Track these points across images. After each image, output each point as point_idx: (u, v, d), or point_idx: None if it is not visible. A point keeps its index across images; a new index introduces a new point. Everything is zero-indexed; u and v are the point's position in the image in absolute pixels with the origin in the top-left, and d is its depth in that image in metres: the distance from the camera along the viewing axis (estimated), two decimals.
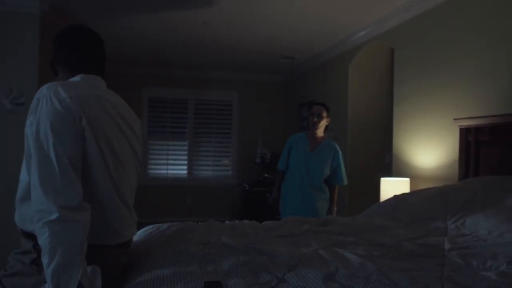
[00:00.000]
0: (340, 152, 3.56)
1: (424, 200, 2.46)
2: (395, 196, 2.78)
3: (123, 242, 1.50)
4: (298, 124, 6.78)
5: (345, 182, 3.59)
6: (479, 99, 2.98)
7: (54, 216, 1.20)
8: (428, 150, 3.57)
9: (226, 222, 2.31)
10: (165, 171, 7.35)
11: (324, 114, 3.44)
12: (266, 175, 6.75)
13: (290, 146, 3.58)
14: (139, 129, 1.67)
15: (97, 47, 1.64)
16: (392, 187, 3.48)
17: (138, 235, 2.17)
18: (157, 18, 4.45)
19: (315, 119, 3.41)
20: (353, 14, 4.20)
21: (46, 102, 1.32)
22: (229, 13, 4.24)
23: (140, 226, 1.87)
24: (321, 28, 4.72)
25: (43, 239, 1.20)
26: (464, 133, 3.00)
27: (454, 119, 3.13)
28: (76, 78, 1.52)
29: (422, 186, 3.47)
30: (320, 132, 3.49)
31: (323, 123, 3.46)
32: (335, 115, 5.45)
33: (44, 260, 1.19)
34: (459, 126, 3.07)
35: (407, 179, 3.55)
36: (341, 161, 3.56)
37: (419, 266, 1.48)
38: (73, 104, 1.34)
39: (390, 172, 4.31)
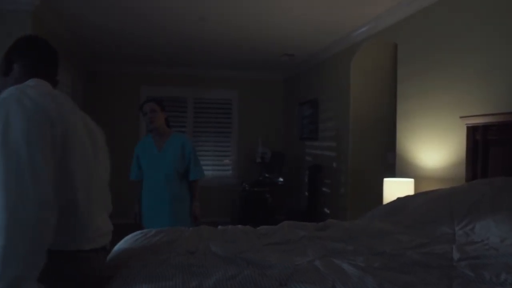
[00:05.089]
0: (189, 142, 3.29)
1: (428, 203, 2.31)
2: (399, 199, 2.63)
3: (97, 247, 1.44)
4: (299, 123, 6.63)
5: (202, 174, 3.31)
6: (487, 95, 2.83)
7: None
8: (433, 150, 3.41)
9: (219, 227, 2.17)
10: None
11: (157, 108, 3.17)
12: (266, 175, 6.61)
13: (137, 154, 3.33)
14: (100, 135, 1.60)
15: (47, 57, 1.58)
16: (395, 188, 3.34)
17: (124, 242, 2.04)
18: (152, 14, 4.31)
19: (149, 116, 3.15)
20: (354, 10, 4.05)
21: (17, 103, 1.23)
22: (226, 7, 4.10)
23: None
24: (322, 24, 4.57)
25: None
26: (472, 131, 2.84)
27: (461, 117, 2.98)
28: (31, 82, 1.43)
29: (427, 187, 3.32)
30: (161, 127, 3.22)
31: (160, 117, 3.18)
32: (336, 113, 5.31)
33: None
34: (466, 124, 2.91)
35: (411, 180, 3.40)
36: (192, 151, 3.27)
37: (424, 280, 1.33)
38: (48, 106, 1.28)
39: (393, 172, 4.17)
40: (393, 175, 4.05)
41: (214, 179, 7.29)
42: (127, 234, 2.12)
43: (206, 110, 7.43)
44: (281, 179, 6.41)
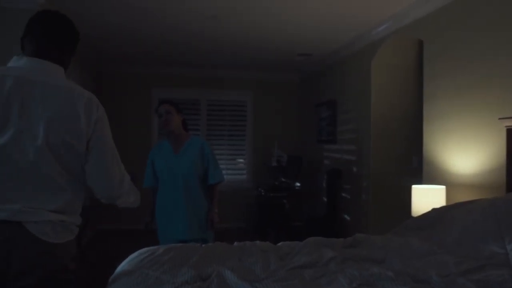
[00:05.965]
0: (208, 146, 3.13)
1: (470, 216, 2.04)
2: (434, 210, 2.36)
3: None
4: (316, 125, 6.38)
5: (222, 177, 3.13)
6: None
7: None
8: (467, 154, 3.13)
9: (235, 243, 1.94)
10: None
11: (172, 110, 3.01)
12: (283, 180, 6.37)
13: (152, 161, 3.14)
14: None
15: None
16: (425, 196, 3.06)
17: (128, 261, 1.83)
18: (162, 12, 4.11)
19: (164, 118, 2.99)
20: (376, 4, 3.79)
21: None
22: (238, 4, 3.87)
23: None
24: (341, 21, 4.31)
25: None
26: None
27: (500, 119, 2.70)
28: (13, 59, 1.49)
29: (461, 195, 3.04)
30: (177, 129, 3.05)
31: (175, 119, 3.02)
32: (356, 115, 5.05)
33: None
34: (506, 126, 2.63)
35: (443, 187, 3.12)
36: (211, 153, 3.12)
37: None
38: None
39: (418, 177, 3.90)
40: (419, 181, 3.78)
41: (228, 183, 7.05)
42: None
43: (220, 112, 7.22)
44: (298, 184, 6.15)
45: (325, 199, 5.59)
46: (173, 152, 3.06)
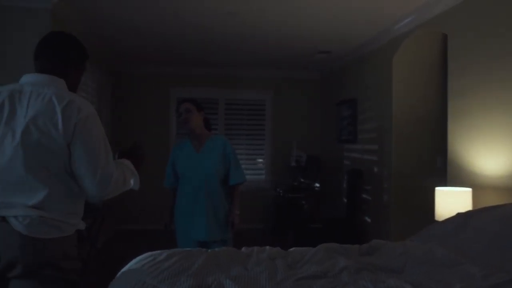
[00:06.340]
0: (230, 145, 3.06)
1: (500, 222, 1.88)
2: (459, 215, 2.20)
3: None
4: (336, 124, 6.21)
5: (244, 178, 3.07)
6: None
7: None
8: (494, 154, 2.93)
9: (243, 249, 1.83)
10: None
11: (193, 108, 2.95)
12: (302, 180, 6.23)
13: (173, 160, 3.07)
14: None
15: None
16: (449, 199, 2.88)
17: (128, 266, 1.74)
18: (179, 10, 4.04)
19: (184, 116, 2.93)
20: None
21: None
22: (257, 1, 3.76)
23: None
24: (361, 16, 4.15)
25: None
26: None
27: None
28: None
29: (489, 199, 2.85)
30: (198, 128, 2.98)
31: (195, 117, 2.95)
32: (377, 113, 4.87)
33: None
34: None
35: (469, 190, 2.93)
36: (233, 153, 3.05)
37: None
38: None
39: (442, 178, 3.70)
40: (443, 182, 3.59)
41: (247, 183, 6.89)
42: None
43: (238, 112, 7.13)
44: (317, 185, 6.00)
45: (345, 200, 5.43)
46: (195, 151, 3.00)
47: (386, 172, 4.58)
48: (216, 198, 2.96)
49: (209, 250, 1.84)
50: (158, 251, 1.83)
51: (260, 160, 7.22)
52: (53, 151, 1.49)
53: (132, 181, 1.72)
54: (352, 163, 5.62)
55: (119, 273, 1.67)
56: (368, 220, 5.01)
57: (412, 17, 3.99)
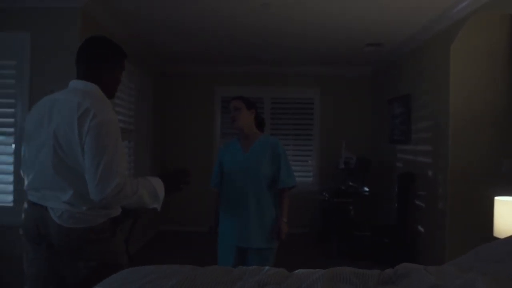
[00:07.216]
0: (281, 146, 2.83)
1: None
2: None
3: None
4: (388, 123, 5.69)
5: (294, 181, 2.80)
6: None
7: None
8: None
9: (234, 270, 1.53)
10: None
11: (242, 105, 2.78)
12: (350, 183, 5.77)
13: (220, 160, 2.92)
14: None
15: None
16: None
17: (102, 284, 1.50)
18: (216, 4, 3.82)
19: (232, 115, 2.80)
20: None
21: None
22: None
23: None
24: (413, 3, 3.68)
25: None
26: None
27: None
28: None
29: None
30: (247, 127, 2.81)
31: (244, 115, 2.78)
32: (432, 109, 4.35)
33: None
34: None
35: None
36: (283, 154, 2.81)
37: None
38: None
39: (509, 185, 3.15)
40: (510, 190, 3.04)
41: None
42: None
43: (285, 111, 6.81)
44: (366, 189, 5.52)
45: (396, 206, 4.92)
46: (242, 151, 2.81)
47: (441, 177, 4.05)
48: (262, 203, 2.73)
49: (198, 268, 1.55)
50: (138, 267, 1.58)
51: (310, 162, 6.83)
52: (74, 156, 1.68)
53: (148, 199, 1.78)
54: (404, 166, 5.10)
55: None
56: (421, 229, 4.49)
57: None
